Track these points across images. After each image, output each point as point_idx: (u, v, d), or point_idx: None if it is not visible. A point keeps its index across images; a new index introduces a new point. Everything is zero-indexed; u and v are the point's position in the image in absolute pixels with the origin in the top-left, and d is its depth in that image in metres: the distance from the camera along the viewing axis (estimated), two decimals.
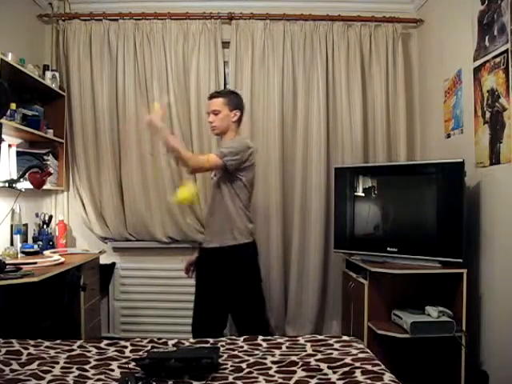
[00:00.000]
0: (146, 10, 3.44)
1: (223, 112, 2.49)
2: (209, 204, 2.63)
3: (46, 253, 2.93)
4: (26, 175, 2.64)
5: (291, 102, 3.43)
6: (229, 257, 2.43)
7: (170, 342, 1.87)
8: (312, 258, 3.40)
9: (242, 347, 1.83)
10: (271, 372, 1.56)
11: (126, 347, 1.82)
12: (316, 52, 3.43)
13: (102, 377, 1.51)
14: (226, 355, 1.72)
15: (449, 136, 3.06)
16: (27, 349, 1.76)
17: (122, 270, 3.52)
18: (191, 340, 1.93)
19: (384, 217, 2.99)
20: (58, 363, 1.61)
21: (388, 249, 2.81)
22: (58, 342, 1.86)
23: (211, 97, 2.56)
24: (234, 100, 2.54)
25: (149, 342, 1.88)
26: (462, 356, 2.53)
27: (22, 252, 2.87)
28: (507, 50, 2.34)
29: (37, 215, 3.24)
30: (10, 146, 2.79)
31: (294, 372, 1.55)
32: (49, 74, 3.22)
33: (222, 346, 1.83)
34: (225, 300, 2.47)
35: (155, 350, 1.76)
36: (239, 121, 2.56)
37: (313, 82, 3.43)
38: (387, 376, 1.48)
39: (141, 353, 1.75)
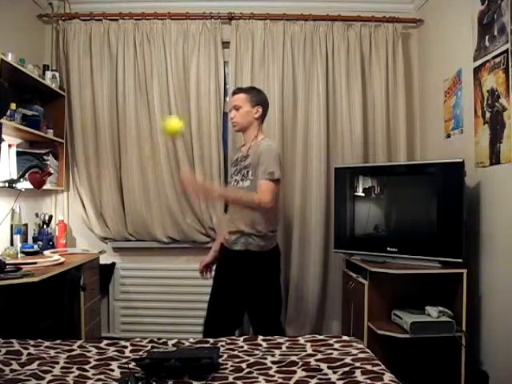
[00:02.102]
0: (145, 10, 3.44)
1: (244, 108, 2.48)
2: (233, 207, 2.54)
3: (46, 253, 2.93)
4: (26, 175, 2.64)
5: (291, 101, 3.43)
6: (251, 261, 2.41)
7: (170, 342, 1.87)
8: (312, 258, 3.40)
9: (242, 347, 1.83)
10: (271, 372, 1.56)
11: (125, 347, 1.82)
12: (316, 52, 3.43)
13: (102, 377, 1.51)
14: (225, 355, 1.72)
15: (449, 136, 3.06)
16: (27, 349, 1.76)
17: (122, 270, 3.51)
18: (191, 340, 1.93)
19: (384, 217, 2.99)
20: (58, 363, 1.61)
21: (388, 249, 2.81)
22: (58, 342, 1.86)
23: (233, 93, 2.57)
24: (257, 96, 2.52)
25: (149, 342, 1.88)
26: (462, 356, 2.53)
27: (22, 252, 2.87)
28: (507, 49, 2.34)
29: (37, 215, 3.25)
30: (9, 146, 2.79)
31: (294, 372, 1.55)
32: (49, 73, 3.21)
33: (222, 346, 1.83)
34: (244, 301, 2.46)
35: (155, 349, 1.76)
36: (262, 117, 2.55)
37: (313, 81, 3.43)
38: (387, 376, 1.48)
39: (141, 353, 1.75)
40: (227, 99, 3.39)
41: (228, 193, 2.59)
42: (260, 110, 2.51)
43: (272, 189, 2.35)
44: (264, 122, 3.07)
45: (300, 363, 1.61)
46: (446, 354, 2.67)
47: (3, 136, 2.53)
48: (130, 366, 1.60)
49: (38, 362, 1.62)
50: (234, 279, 2.44)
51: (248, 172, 2.44)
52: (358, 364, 1.58)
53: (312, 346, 1.82)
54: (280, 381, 1.48)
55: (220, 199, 2.45)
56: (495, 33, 2.45)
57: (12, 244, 2.87)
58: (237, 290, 2.43)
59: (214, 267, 2.67)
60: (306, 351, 1.76)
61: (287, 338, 1.93)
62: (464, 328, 2.53)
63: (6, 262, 2.38)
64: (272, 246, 2.48)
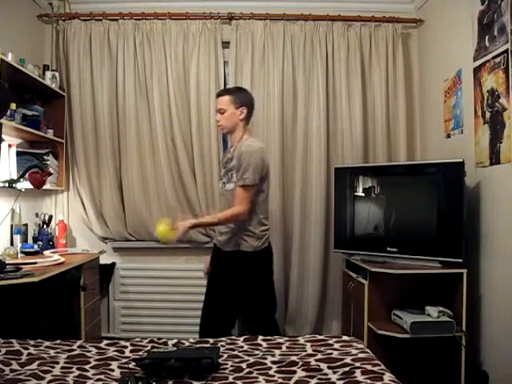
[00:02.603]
0: (145, 10, 3.44)
1: (229, 110, 2.46)
2: (222, 208, 2.56)
3: (46, 253, 2.93)
4: (26, 175, 2.64)
5: (291, 101, 3.43)
6: (244, 262, 2.41)
7: (170, 342, 1.88)
8: (312, 258, 3.40)
9: (241, 347, 1.83)
10: (271, 372, 1.56)
11: (125, 347, 1.82)
12: (316, 52, 3.42)
13: (102, 377, 1.51)
14: (225, 355, 1.72)
15: (449, 136, 3.06)
16: (27, 349, 1.76)
17: (122, 270, 3.51)
18: (191, 340, 1.93)
19: (384, 217, 2.99)
20: (58, 363, 1.62)
21: (388, 249, 2.81)
22: (58, 342, 1.86)
23: (218, 95, 2.55)
24: (241, 97, 2.51)
25: (149, 342, 1.88)
26: (462, 356, 2.54)
27: (22, 252, 2.87)
28: (507, 49, 2.34)
29: (37, 215, 3.24)
30: (9, 145, 2.79)
31: (294, 372, 1.55)
32: (49, 74, 3.22)
33: (222, 346, 1.83)
34: (238, 301, 2.46)
35: (155, 349, 1.76)
36: (247, 118, 2.53)
37: (313, 81, 3.43)
38: (387, 376, 1.48)
39: (141, 353, 1.75)
40: None
41: (203, 220, 2.68)
42: (245, 110, 2.49)
43: (246, 197, 2.35)
44: (262, 122, 3.09)
45: (300, 363, 1.61)
46: (446, 354, 2.67)
47: (3, 136, 2.53)
48: (130, 365, 1.60)
49: (38, 362, 1.62)
50: (227, 280, 2.44)
51: (232, 175, 2.44)
52: (357, 364, 1.58)
53: (312, 346, 1.82)
54: (280, 381, 1.48)
55: (197, 228, 2.51)
56: (495, 33, 2.45)
57: (12, 244, 2.87)
58: (230, 290, 2.44)
59: None
60: (306, 351, 1.76)
61: (287, 338, 1.93)
62: (464, 328, 2.54)
63: (6, 262, 2.38)
64: (264, 245, 2.47)
